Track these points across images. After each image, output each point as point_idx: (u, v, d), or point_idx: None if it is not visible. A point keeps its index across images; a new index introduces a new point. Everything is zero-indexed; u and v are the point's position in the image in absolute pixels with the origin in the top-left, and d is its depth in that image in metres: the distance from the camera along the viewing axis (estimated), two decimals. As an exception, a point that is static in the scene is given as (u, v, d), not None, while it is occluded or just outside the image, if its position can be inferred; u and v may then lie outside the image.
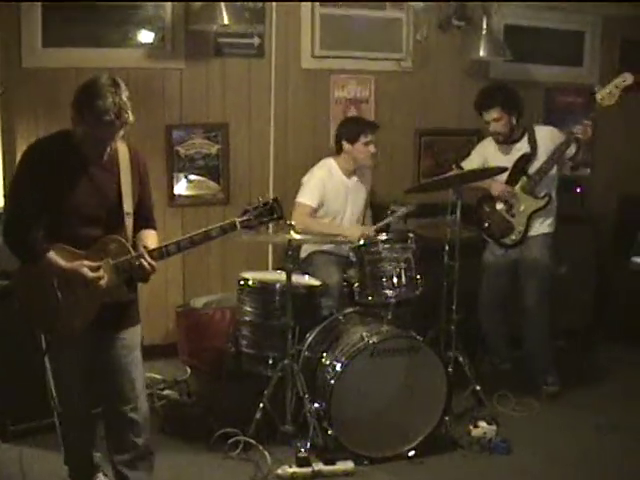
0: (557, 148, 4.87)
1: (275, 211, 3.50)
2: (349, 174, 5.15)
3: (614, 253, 6.49)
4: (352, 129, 5.09)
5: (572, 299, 5.93)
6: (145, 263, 3.23)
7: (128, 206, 3.29)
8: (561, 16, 6.37)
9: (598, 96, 4.75)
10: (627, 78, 4.71)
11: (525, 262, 5.10)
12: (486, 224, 5.15)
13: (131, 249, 3.27)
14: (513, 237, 5.06)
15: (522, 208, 5.02)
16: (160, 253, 3.31)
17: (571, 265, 5.93)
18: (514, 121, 5.01)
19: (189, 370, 5.14)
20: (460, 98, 6.10)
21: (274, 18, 5.50)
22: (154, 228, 3.51)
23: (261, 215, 3.47)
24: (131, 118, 3.16)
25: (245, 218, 3.47)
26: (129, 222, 3.30)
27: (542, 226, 5.09)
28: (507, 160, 5.03)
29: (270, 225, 3.45)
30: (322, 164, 5.15)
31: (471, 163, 5.24)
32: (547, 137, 4.99)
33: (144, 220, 3.43)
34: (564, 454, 4.39)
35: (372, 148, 5.07)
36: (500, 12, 5.98)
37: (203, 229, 3.41)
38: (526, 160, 5.01)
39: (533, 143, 5.01)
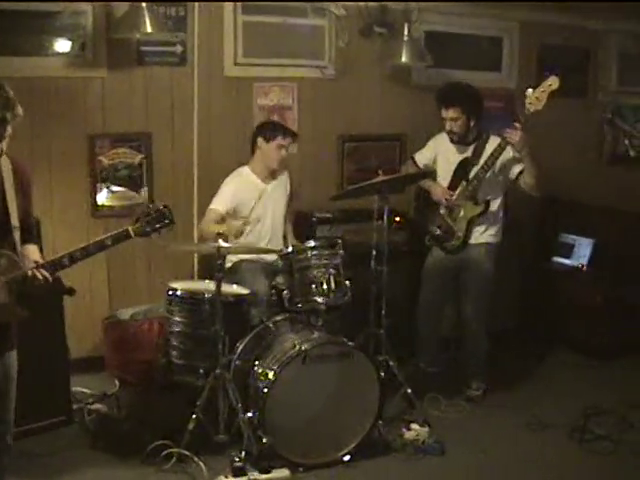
0: (490, 154, 4.91)
1: (166, 217, 3.54)
2: (266, 178, 5.17)
3: (537, 254, 6.68)
4: (271, 129, 5.14)
5: (497, 301, 6.01)
6: (40, 276, 3.16)
7: (15, 220, 3.20)
8: (480, 22, 6.51)
9: (527, 101, 4.77)
10: (554, 82, 4.74)
11: (466, 270, 5.14)
12: (429, 228, 5.20)
13: (23, 263, 3.19)
14: (454, 242, 5.11)
15: (462, 213, 5.07)
16: (53, 265, 3.23)
17: (496, 268, 6.04)
18: (471, 124, 5.03)
19: (118, 383, 5.09)
20: (383, 104, 6.20)
21: (196, 26, 5.48)
22: (35, 243, 3.45)
23: (153, 221, 3.51)
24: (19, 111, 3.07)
25: (138, 225, 3.49)
26: (17, 236, 3.21)
27: (484, 235, 5.12)
28: (459, 157, 5.10)
29: (161, 231, 3.56)
30: (235, 172, 5.17)
31: (423, 156, 5.30)
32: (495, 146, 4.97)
33: (27, 234, 3.35)
34: (497, 453, 4.51)
35: (284, 152, 5.10)
36: (421, 18, 6.06)
37: (97, 239, 3.41)
38: (467, 165, 5.05)
39: (479, 150, 5.04)
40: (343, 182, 6.19)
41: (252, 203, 4.95)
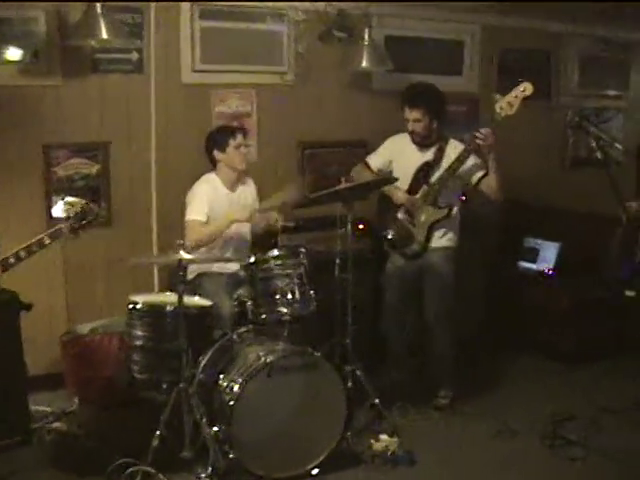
0: (457, 158, 4.92)
1: (88, 213, 3.92)
2: (232, 186, 5.15)
3: (500, 259, 6.69)
4: (219, 137, 5.12)
5: (461, 307, 6.02)
6: None
7: None
8: (441, 26, 6.55)
9: (497, 106, 4.80)
10: (527, 88, 4.77)
11: (427, 275, 5.14)
12: (388, 234, 5.18)
13: None
14: (414, 247, 5.10)
15: (423, 218, 5.06)
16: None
17: (458, 274, 6.05)
18: (434, 125, 5.05)
19: (78, 400, 5.01)
20: (343, 110, 6.21)
21: (153, 32, 5.44)
22: None
23: (80, 219, 3.85)
24: None
25: (69, 223, 3.86)
26: None
27: (443, 239, 5.13)
28: (421, 160, 5.10)
29: (87, 226, 3.98)
30: (203, 179, 5.13)
31: (377, 159, 5.29)
32: (456, 150, 4.99)
33: None
34: (468, 461, 4.51)
35: (243, 150, 5.10)
36: (381, 23, 6.09)
37: (36, 238, 3.96)
38: (428, 169, 5.06)
39: (440, 153, 5.06)
40: (305, 190, 6.10)
41: (222, 212, 4.96)
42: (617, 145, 4.36)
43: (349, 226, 4.74)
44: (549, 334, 6.12)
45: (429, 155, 5.10)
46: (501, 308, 6.37)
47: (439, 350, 5.24)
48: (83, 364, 5.08)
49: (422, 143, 5.10)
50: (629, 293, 5.96)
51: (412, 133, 5.08)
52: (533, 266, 6.59)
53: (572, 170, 7.46)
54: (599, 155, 4.33)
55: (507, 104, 4.79)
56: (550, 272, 6.41)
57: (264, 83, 5.93)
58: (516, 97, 4.78)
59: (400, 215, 5.15)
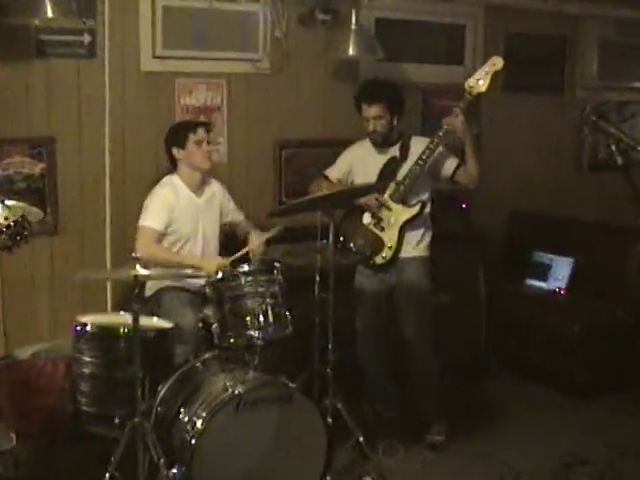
0: (427, 147, 5.05)
1: (25, 228, 3.71)
2: (197, 190, 5.20)
3: (505, 276, 6.79)
4: (178, 132, 5.17)
5: (459, 330, 6.15)
6: None
7: None
8: (438, 7, 6.60)
9: (466, 84, 5.01)
10: (497, 62, 4.98)
11: (400, 288, 5.21)
12: (352, 242, 5.24)
13: None
14: (383, 254, 5.17)
15: (392, 219, 5.15)
16: None
17: (457, 292, 6.13)
18: (394, 122, 5.19)
19: (15, 436, 5.02)
20: (326, 103, 6.27)
21: (107, 11, 5.45)
22: None
23: (14, 233, 3.67)
24: None
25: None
26: None
27: (418, 248, 5.22)
28: (383, 160, 5.23)
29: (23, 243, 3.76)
30: (165, 181, 5.17)
31: (335, 170, 5.42)
32: (422, 145, 5.12)
33: None
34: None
35: (206, 146, 5.14)
36: (370, 4, 6.14)
37: None
38: (394, 165, 5.19)
39: (405, 149, 5.20)
40: (281, 195, 6.24)
41: (188, 220, 5.03)
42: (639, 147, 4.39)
43: (331, 237, 4.73)
44: (560, 363, 6.16)
45: (393, 152, 5.23)
46: (505, 332, 6.44)
47: (425, 377, 5.27)
48: (22, 393, 5.08)
49: (383, 145, 5.25)
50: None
51: (373, 133, 5.21)
52: (543, 284, 6.66)
53: (590, 175, 7.53)
54: (619, 160, 4.38)
55: (475, 81, 5.01)
56: (562, 292, 6.49)
57: (236, 72, 5.96)
58: (486, 73, 4.98)
59: (366, 220, 5.25)
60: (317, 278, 4.82)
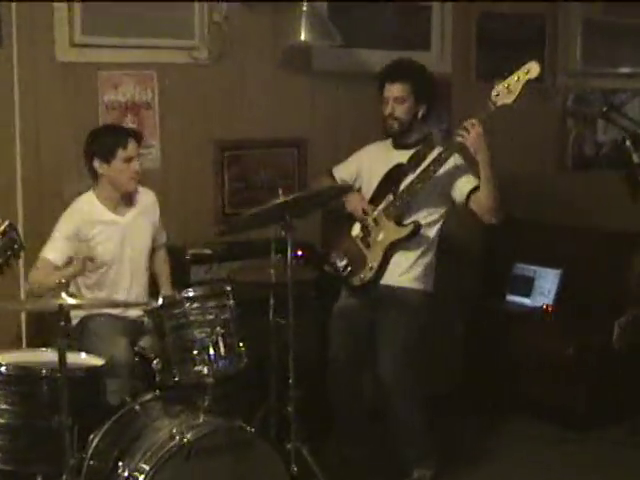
0: (434, 159, 4.92)
1: (16, 241, 3.61)
2: (119, 206, 5.05)
3: (484, 292, 6.78)
4: (105, 142, 4.99)
5: (434, 357, 6.03)
6: None
7: None
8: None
9: (494, 91, 4.84)
10: (532, 69, 4.80)
11: (381, 321, 5.12)
12: (334, 257, 5.18)
13: None
14: (362, 275, 5.09)
15: (380, 237, 5.06)
16: None
17: (433, 312, 6.02)
18: (419, 113, 5.09)
19: None
20: (274, 98, 6.21)
21: (15, -9, 5.34)
22: None
23: (2, 247, 3.56)
24: None
25: None
26: None
27: (407, 276, 5.09)
28: (395, 161, 5.15)
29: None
30: (79, 201, 5.04)
31: (342, 168, 5.37)
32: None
33: None
34: None
35: (136, 165, 4.97)
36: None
37: None
38: (399, 173, 5.09)
39: (419, 157, 5.06)
40: (224, 205, 6.14)
41: (107, 244, 4.91)
42: None
43: (290, 253, 4.65)
44: (550, 391, 6.15)
45: (405, 156, 5.13)
46: (485, 356, 6.41)
47: (402, 418, 5.18)
48: None
49: (401, 139, 5.15)
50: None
51: (389, 118, 5.08)
52: (526, 301, 6.66)
53: (575, 173, 7.62)
54: (636, 158, 4.32)
55: (506, 89, 4.83)
56: (550, 309, 6.46)
57: (169, 62, 5.87)
58: (518, 80, 4.81)
59: (354, 231, 5.18)
60: (272, 301, 4.80)
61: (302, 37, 5.86)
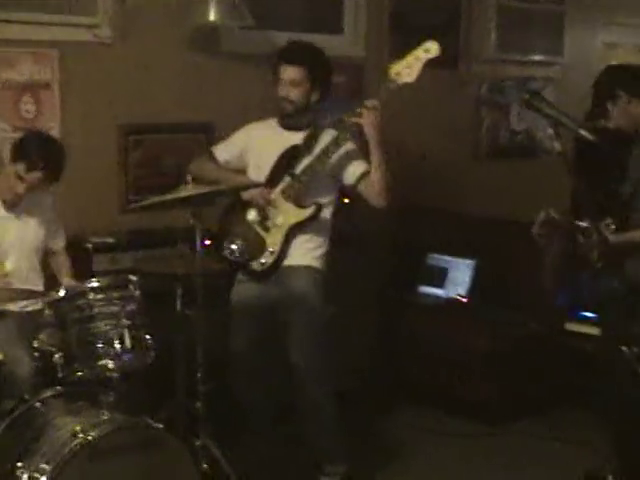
0: (331, 140, 4.91)
1: None
2: (13, 205, 4.87)
3: (396, 284, 6.76)
4: (20, 148, 4.81)
5: (345, 349, 5.99)
6: None
7: None
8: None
9: (393, 70, 4.88)
10: (431, 48, 4.89)
11: (285, 302, 5.07)
12: (229, 242, 5.12)
13: None
14: (262, 260, 5.05)
15: (280, 220, 5.03)
16: None
17: (339, 305, 5.97)
18: (313, 97, 5.09)
19: None
20: (181, 80, 6.11)
21: None
22: None
23: None
24: None
25: None
26: None
27: (309, 257, 5.09)
28: (287, 143, 5.11)
29: None
30: None
31: (226, 148, 5.30)
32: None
33: None
34: None
35: (21, 187, 4.73)
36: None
37: None
38: (295, 155, 5.06)
39: (312, 139, 5.07)
40: (128, 192, 6.03)
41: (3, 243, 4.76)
42: (583, 132, 4.37)
43: (198, 242, 4.64)
44: (462, 384, 6.16)
45: (298, 139, 5.11)
46: (396, 349, 6.40)
47: (316, 409, 5.13)
48: None
49: (293, 121, 5.13)
50: (570, 327, 6.08)
51: (283, 101, 5.08)
52: (439, 292, 6.69)
53: (489, 162, 7.67)
54: (558, 146, 4.37)
55: (406, 68, 4.88)
56: (464, 300, 6.50)
57: (69, 40, 5.71)
58: (417, 59, 4.89)
59: (250, 216, 5.13)
60: (179, 292, 4.74)
61: (211, 17, 5.81)
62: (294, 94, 5.05)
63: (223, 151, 5.30)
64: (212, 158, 5.31)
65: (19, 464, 4.04)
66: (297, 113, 5.10)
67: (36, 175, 4.71)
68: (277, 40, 6.23)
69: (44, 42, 5.65)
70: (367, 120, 4.83)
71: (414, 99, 6.53)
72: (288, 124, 5.13)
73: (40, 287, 4.95)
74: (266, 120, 5.24)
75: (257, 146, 5.20)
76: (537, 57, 7.89)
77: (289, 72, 5.03)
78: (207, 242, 5.51)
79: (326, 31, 6.70)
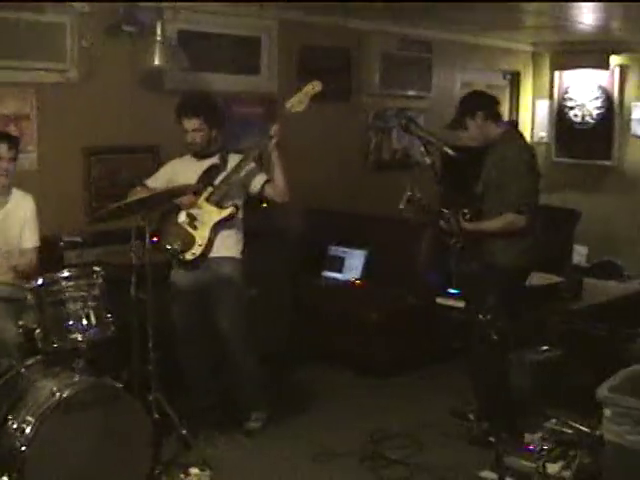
0: (243, 158, 5.01)
1: None
2: None
3: (305, 270, 6.74)
4: None
5: (267, 322, 5.98)
6: None
7: None
8: (236, 21, 6.51)
9: (288, 104, 4.97)
10: (316, 85, 4.97)
11: (215, 284, 5.07)
12: (166, 240, 5.08)
13: None
14: (193, 251, 5.02)
15: (206, 219, 5.04)
16: None
17: (263, 286, 5.98)
18: (213, 134, 5.11)
19: None
20: (133, 111, 6.03)
21: None
22: None
23: None
24: None
25: None
26: None
27: (231, 250, 5.11)
28: (200, 170, 5.12)
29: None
30: None
31: (155, 180, 5.23)
32: (238, 159, 5.07)
33: None
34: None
35: (5, 163, 4.64)
36: (174, 17, 5.95)
37: None
38: (214, 171, 5.10)
39: (223, 160, 5.12)
40: (91, 199, 5.94)
41: None
42: (446, 149, 4.45)
43: (147, 240, 4.60)
44: (360, 347, 6.15)
45: (211, 162, 5.15)
46: (308, 322, 6.34)
47: (242, 367, 5.15)
48: None
49: (203, 153, 5.15)
50: (440, 301, 6.17)
51: (191, 145, 5.12)
52: (339, 275, 6.69)
53: (375, 174, 7.65)
54: (428, 160, 4.44)
55: (298, 102, 4.98)
56: (358, 281, 6.52)
57: (44, 82, 5.62)
58: (306, 94, 4.98)
59: (181, 218, 5.10)
60: (133, 278, 4.64)
61: (156, 62, 5.74)
62: (198, 137, 5.08)
63: (154, 182, 5.23)
64: (146, 188, 5.19)
65: (9, 417, 3.98)
66: (204, 148, 5.12)
67: (5, 149, 4.61)
68: (209, 80, 6.29)
69: (25, 83, 5.56)
70: (272, 141, 4.93)
71: (317, 124, 6.59)
72: (201, 155, 5.14)
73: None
74: (183, 156, 5.22)
75: (180, 173, 5.18)
76: (411, 92, 7.90)
77: (189, 124, 5.05)
78: (154, 239, 5.49)
79: (247, 72, 6.66)
